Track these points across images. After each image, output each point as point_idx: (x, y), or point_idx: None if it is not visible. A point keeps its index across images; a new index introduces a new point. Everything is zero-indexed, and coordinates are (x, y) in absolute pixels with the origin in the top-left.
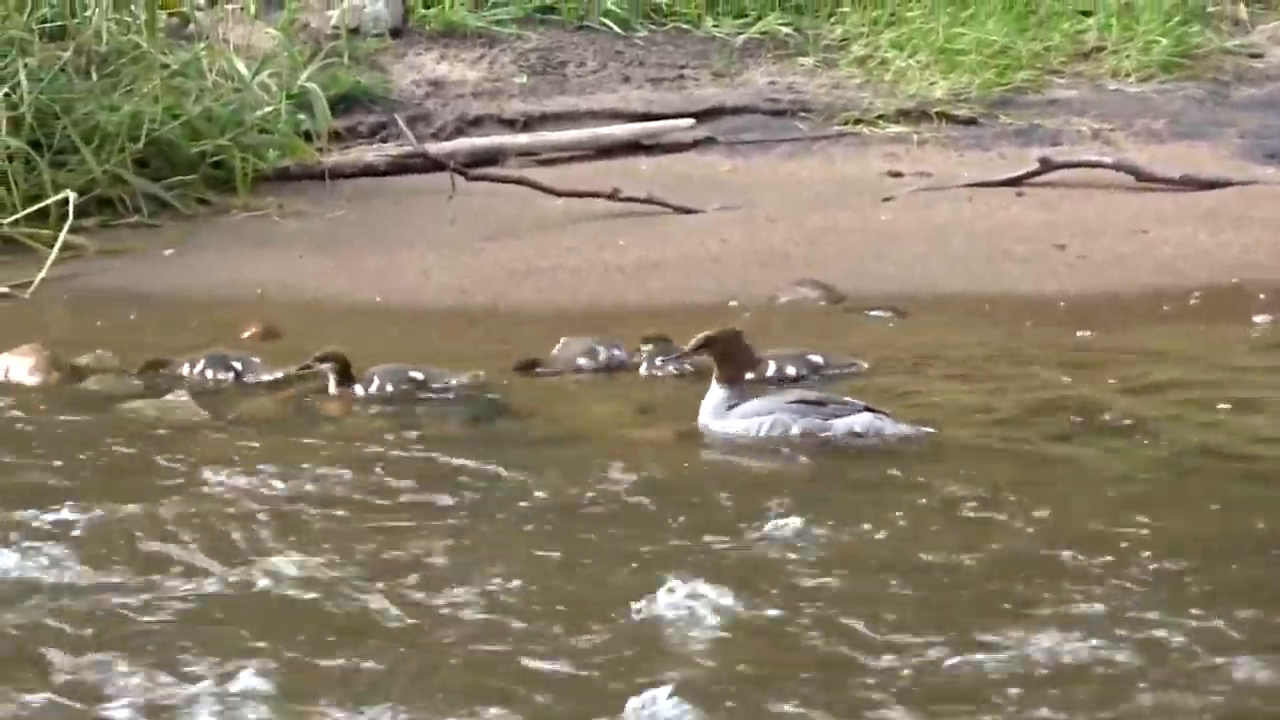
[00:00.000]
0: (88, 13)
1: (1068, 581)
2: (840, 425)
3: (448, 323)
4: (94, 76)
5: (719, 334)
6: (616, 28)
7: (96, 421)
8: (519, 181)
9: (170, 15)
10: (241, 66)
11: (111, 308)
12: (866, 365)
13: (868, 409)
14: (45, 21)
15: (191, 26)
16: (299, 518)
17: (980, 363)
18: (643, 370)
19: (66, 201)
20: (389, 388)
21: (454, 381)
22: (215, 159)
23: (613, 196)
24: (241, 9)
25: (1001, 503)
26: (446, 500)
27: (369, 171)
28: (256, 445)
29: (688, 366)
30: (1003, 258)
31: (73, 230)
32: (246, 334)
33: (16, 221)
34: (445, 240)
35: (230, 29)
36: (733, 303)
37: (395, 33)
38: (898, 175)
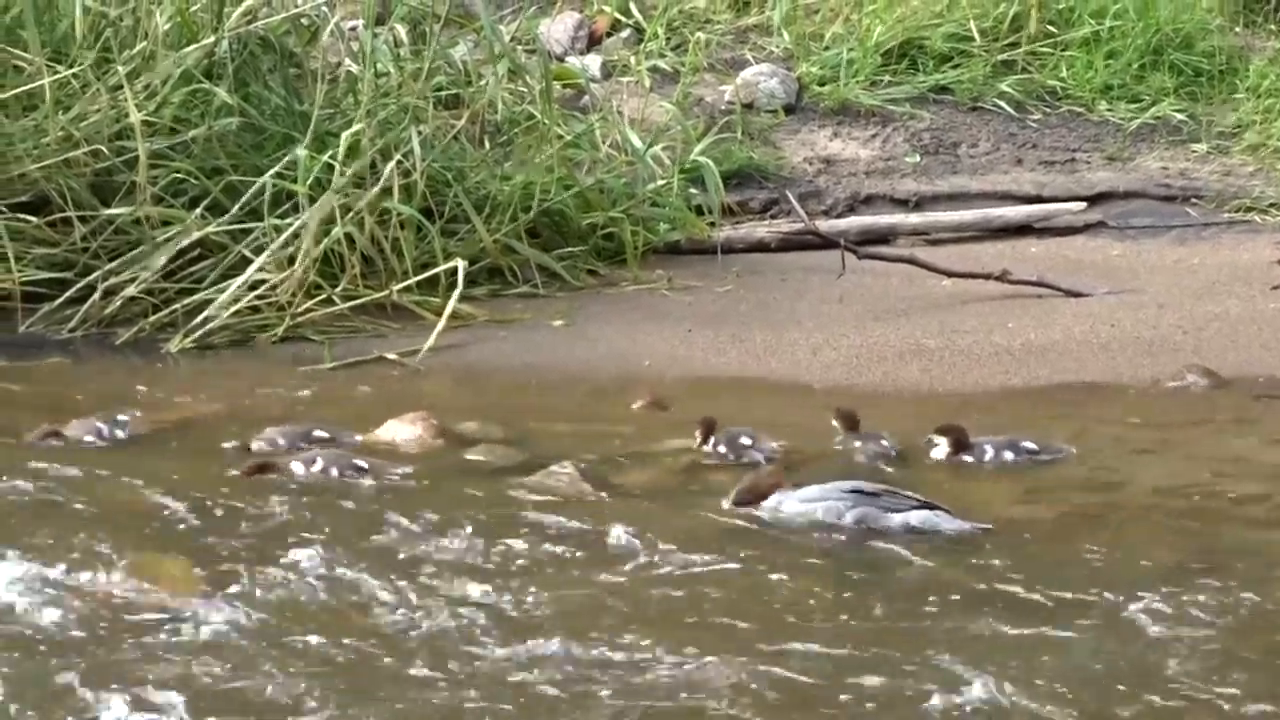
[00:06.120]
0: (483, 82)
1: None
2: (897, 520)
3: (833, 400)
4: (487, 145)
5: None
6: (1010, 110)
7: (479, 490)
8: (909, 261)
9: (565, 86)
10: (635, 139)
11: (498, 377)
12: (1075, 451)
13: (926, 504)
14: (440, 90)
15: (586, 98)
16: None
17: None
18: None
19: (456, 270)
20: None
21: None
22: (606, 231)
23: (1002, 278)
24: (636, 82)
25: None
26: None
27: (759, 247)
28: (644, 515)
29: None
30: None
31: (462, 299)
32: (636, 405)
33: (407, 289)
34: (833, 318)
35: (624, 101)
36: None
37: (789, 109)
38: None
